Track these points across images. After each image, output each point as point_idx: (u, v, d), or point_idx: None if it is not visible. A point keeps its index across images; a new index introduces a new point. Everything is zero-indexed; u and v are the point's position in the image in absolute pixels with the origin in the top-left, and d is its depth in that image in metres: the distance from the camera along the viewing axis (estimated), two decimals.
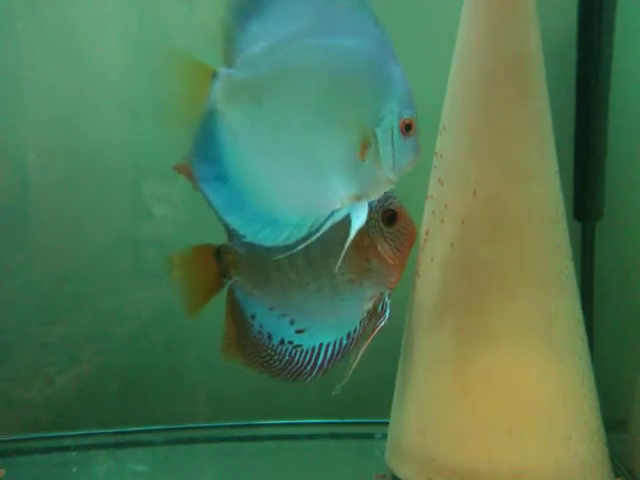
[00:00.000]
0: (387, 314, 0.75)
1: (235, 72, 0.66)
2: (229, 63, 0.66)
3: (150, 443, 1.03)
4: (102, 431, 1.05)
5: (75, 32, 1.05)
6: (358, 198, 0.67)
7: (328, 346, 0.76)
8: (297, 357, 0.76)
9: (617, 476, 0.85)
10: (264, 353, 0.77)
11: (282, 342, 0.77)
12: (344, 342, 0.76)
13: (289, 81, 0.65)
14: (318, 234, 0.66)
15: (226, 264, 0.77)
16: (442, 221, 0.79)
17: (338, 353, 0.76)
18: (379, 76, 0.65)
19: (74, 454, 1.00)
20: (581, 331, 0.79)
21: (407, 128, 0.66)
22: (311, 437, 1.04)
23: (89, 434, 1.04)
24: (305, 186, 0.67)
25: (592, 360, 0.81)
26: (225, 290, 0.79)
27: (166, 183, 1.06)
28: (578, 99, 1.01)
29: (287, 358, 0.77)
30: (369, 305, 0.76)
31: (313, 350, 0.76)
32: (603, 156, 1.01)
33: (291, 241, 0.65)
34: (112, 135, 1.07)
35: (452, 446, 0.76)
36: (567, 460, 0.75)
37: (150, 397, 1.09)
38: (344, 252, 0.67)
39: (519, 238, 0.76)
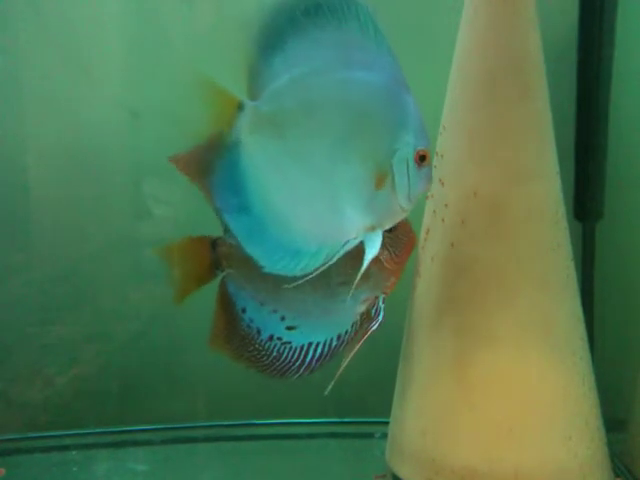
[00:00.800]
0: (380, 318, 0.75)
1: (260, 105, 0.68)
2: (253, 96, 0.68)
3: (150, 442, 1.03)
4: (102, 430, 1.05)
5: (75, 32, 1.04)
6: (373, 228, 0.69)
7: (317, 345, 0.76)
8: (285, 354, 0.76)
9: (617, 476, 0.85)
10: (252, 347, 0.77)
11: (271, 338, 0.77)
12: (334, 343, 0.76)
13: (311, 114, 0.67)
14: (331, 262, 0.68)
15: (220, 256, 0.77)
16: (442, 221, 0.79)
17: (327, 353, 0.76)
18: (395, 109, 0.68)
19: (74, 453, 1.00)
20: (581, 331, 0.79)
21: (422, 159, 0.68)
22: (311, 437, 1.04)
23: (89, 433, 1.04)
24: (323, 217, 0.69)
25: (592, 360, 0.81)
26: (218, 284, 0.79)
27: (166, 183, 1.06)
28: (578, 99, 1.01)
29: (275, 354, 0.76)
30: (363, 308, 0.76)
31: (302, 348, 0.76)
32: (603, 156, 1.01)
33: (308, 270, 0.67)
34: (112, 135, 1.07)
35: (452, 446, 0.76)
36: (567, 460, 0.75)
37: (150, 397, 1.09)
38: (357, 281, 0.69)
39: (519, 238, 0.76)
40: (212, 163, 0.69)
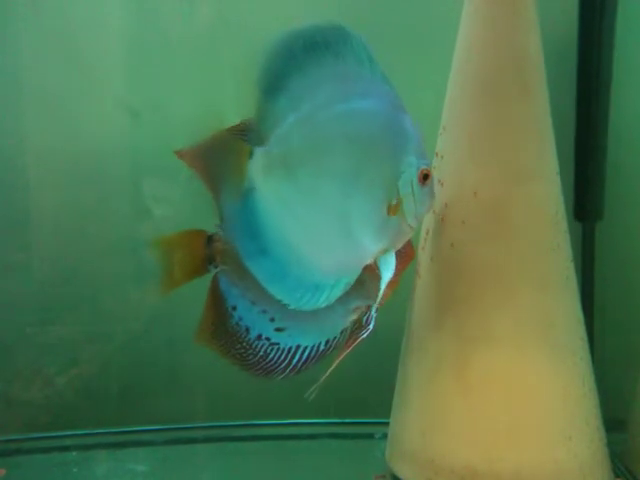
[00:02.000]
0: (371, 327, 0.75)
1: (269, 149, 0.69)
2: (262, 139, 0.69)
3: (150, 443, 1.03)
4: (102, 431, 1.05)
5: (75, 32, 1.04)
6: (385, 250, 0.71)
7: (305, 349, 0.76)
8: (272, 354, 0.76)
9: (617, 476, 0.85)
10: (239, 345, 0.77)
11: (259, 337, 0.77)
12: (322, 347, 0.76)
13: (319, 152, 0.68)
14: (349, 287, 0.70)
15: (214, 252, 0.76)
16: (442, 221, 0.79)
17: (314, 357, 0.76)
18: (396, 133, 0.70)
19: (74, 454, 1.00)
20: (581, 331, 0.79)
21: (425, 178, 0.71)
22: (311, 437, 1.04)
23: (89, 434, 1.04)
24: (339, 249, 0.70)
25: (592, 360, 0.81)
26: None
27: (166, 183, 1.06)
28: (578, 99, 1.01)
29: (262, 354, 0.76)
30: (354, 316, 0.76)
31: (289, 350, 0.76)
32: (603, 156, 1.01)
33: (330, 302, 0.70)
34: (112, 135, 1.07)
35: (452, 446, 0.76)
36: (567, 460, 0.75)
37: (150, 397, 1.09)
38: (376, 306, 0.73)
39: (519, 238, 0.76)
40: (228, 210, 0.70)
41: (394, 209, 0.70)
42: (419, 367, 0.80)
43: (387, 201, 0.70)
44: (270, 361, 0.76)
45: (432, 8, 1.03)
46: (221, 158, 0.71)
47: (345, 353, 0.74)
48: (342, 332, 0.76)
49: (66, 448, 1.01)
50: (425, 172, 0.71)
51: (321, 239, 0.70)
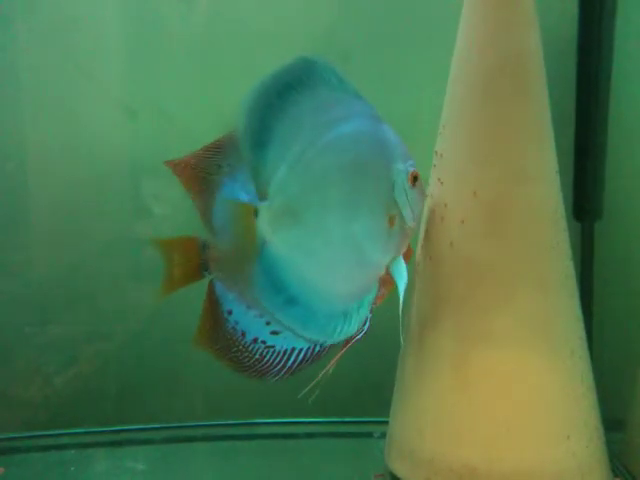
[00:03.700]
0: (365, 328, 0.75)
1: (271, 202, 0.71)
2: (261, 194, 0.71)
3: (148, 441, 1.03)
4: (100, 429, 1.05)
5: (74, 32, 1.04)
6: (394, 258, 0.74)
7: (300, 351, 0.76)
8: (268, 357, 0.77)
9: (616, 476, 0.85)
10: (235, 349, 0.78)
11: (255, 341, 0.77)
12: (317, 349, 0.76)
13: (317, 190, 0.71)
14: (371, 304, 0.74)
15: (209, 258, 0.77)
16: (442, 220, 0.79)
17: (309, 359, 0.76)
18: (382, 146, 0.73)
19: (72, 452, 1.00)
20: (580, 331, 0.79)
21: (415, 179, 0.74)
22: (310, 436, 1.04)
23: (87, 432, 1.04)
24: (355, 273, 0.74)
25: (591, 360, 0.81)
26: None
27: (165, 182, 1.06)
28: (578, 99, 1.01)
29: (257, 356, 0.77)
30: None
31: (285, 352, 0.76)
32: (603, 156, 1.01)
33: (362, 324, 0.73)
34: (111, 135, 1.07)
35: (451, 445, 0.76)
36: (565, 460, 0.75)
37: (148, 396, 1.09)
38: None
39: (518, 238, 0.76)
40: (248, 273, 0.72)
41: (394, 219, 0.73)
42: (418, 366, 0.80)
43: (387, 214, 0.73)
44: (265, 363, 0.77)
45: (432, 8, 1.03)
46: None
47: (339, 355, 0.75)
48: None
49: (64, 447, 1.01)
50: (414, 174, 0.74)
51: (338, 269, 0.73)
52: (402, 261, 0.74)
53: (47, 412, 1.07)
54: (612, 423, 0.84)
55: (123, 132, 1.06)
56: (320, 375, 0.74)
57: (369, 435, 1.01)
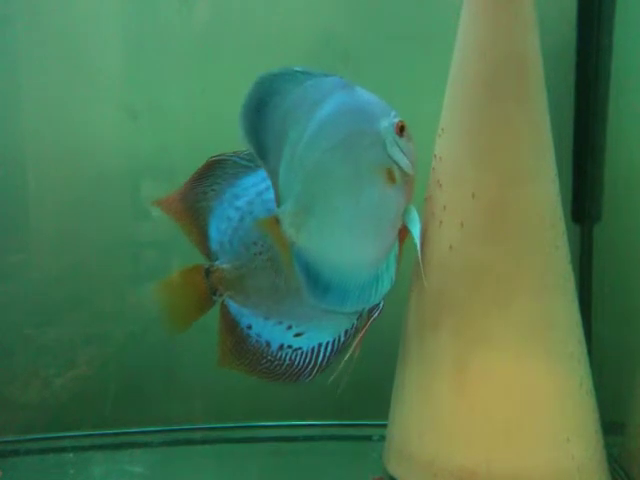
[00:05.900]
0: (381, 306, 0.76)
1: (285, 207, 0.73)
2: (281, 203, 0.74)
3: (147, 444, 1.02)
4: (99, 432, 1.05)
5: (74, 33, 1.05)
6: (405, 208, 0.76)
7: (327, 345, 0.78)
8: (298, 359, 0.79)
9: (614, 479, 0.85)
10: (264, 360, 0.80)
11: (282, 347, 0.79)
12: (342, 339, 0.78)
13: (314, 178, 0.72)
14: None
15: (215, 282, 0.80)
16: (441, 223, 0.79)
17: (337, 350, 0.78)
18: (364, 111, 0.74)
19: (71, 455, 1.00)
20: (579, 334, 0.79)
21: (401, 129, 0.75)
22: (309, 439, 1.04)
23: (86, 435, 1.04)
24: (379, 239, 0.75)
25: (590, 363, 0.80)
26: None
27: (164, 184, 1.06)
28: (577, 100, 1.01)
29: (288, 362, 0.79)
30: None
31: (313, 350, 0.78)
32: (602, 158, 1.01)
33: (394, 278, 0.76)
34: (111, 136, 1.07)
35: (450, 448, 0.76)
36: (565, 463, 0.75)
37: (147, 398, 1.09)
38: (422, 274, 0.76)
39: (517, 240, 0.76)
40: (293, 277, 0.74)
41: (393, 173, 0.74)
42: (417, 369, 0.80)
43: (387, 171, 0.74)
44: (297, 366, 0.79)
45: (431, 10, 1.04)
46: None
47: (361, 336, 0.76)
48: (358, 318, 0.77)
49: (63, 449, 1.01)
50: (399, 125, 0.75)
51: (361, 243, 0.75)
52: (413, 209, 0.76)
53: (45, 415, 1.07)
54: (611, 426, 0.84)
55: (123, 132, 1.06)
56: (345, 360, 0.76)
57: (368, 438, 1.01)
